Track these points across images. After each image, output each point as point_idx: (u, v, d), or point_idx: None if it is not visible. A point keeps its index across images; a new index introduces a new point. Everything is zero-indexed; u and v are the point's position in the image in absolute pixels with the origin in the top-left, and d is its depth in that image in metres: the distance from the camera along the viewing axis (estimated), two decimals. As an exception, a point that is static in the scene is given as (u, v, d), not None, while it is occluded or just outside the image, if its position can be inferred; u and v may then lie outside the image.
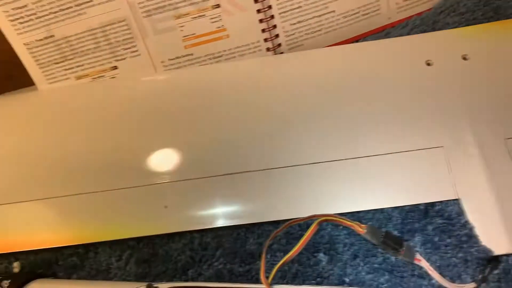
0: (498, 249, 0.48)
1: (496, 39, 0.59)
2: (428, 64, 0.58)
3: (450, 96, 0.56)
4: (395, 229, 0.50)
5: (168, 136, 0.57)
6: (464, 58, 0.58)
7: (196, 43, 0.61)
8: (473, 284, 0.46)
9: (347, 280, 0.49)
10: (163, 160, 0.55)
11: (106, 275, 0.52)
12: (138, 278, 0.51)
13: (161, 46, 0.61)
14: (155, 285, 0.44)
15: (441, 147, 0.53)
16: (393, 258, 0.49)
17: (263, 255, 0.46)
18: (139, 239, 0.53)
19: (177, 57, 0.62)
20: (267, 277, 0.45)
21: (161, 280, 0.51)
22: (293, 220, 0.50)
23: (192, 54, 0.62)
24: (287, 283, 0.49)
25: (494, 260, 0.47)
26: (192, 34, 0.61)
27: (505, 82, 0.56)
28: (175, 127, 0.58)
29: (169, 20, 0.59)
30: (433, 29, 0.63)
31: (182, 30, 0.60)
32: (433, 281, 0.47)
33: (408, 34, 0.62)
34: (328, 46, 0.63)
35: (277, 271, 0.49)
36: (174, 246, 0.52)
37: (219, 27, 0.60)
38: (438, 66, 0.58)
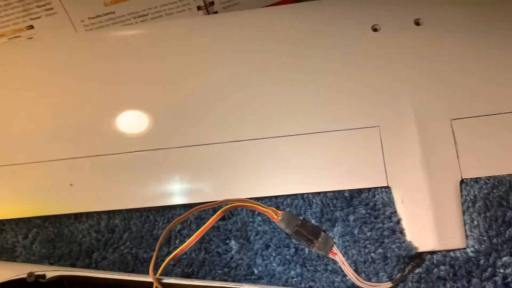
0: (423, 246, 0.43)
1: (456, 3, 0.51)
2: (375, 30, 0.51)
3: (395, 67, 0.49)
4: (314, 218, 0.45)
5: (77, 107, 0.52)
6: (417, 23, 0.51)
7: (117, 0, 0.55)
8: (389, 284, 0.42)
9: (255, 271, 0.45)
10: (68, 133, 0.50)
11: (11, 254, 0.49)
12: (42, 259, 0.48)
13: (79, 4, 0.55)
14: (39, 273, 0.41)
15: (376, 126, 0.47)
16: (307, 250, 0.44)
17: (157, 247, 0.42)
18: (45, 218, 0.50)
19: (98, 16, 0.56)
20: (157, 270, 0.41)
21: (65, 262, 0.48)
22: (202, 205, 0.45)
23: (114, 13, 0.56)
24: (190, 272, 0.45)
25: (417, 258, 0.43)
26: (112, -10, 0.54)
27: (459, 54, 0.49)
28: (88, 97, 0.52)
29: (82, -27, 0.53)
30: (386, -12, 0.54)
31: (99, -15, 0.54)
32: (347, 278, 0.43)
33: (358, -8, 0.54)
34: (267, 6, 0.56)
35: (179, 258, 0.46)
36: (80, 226, 0.49)
37: (141, -18, 0.53)
38: (385, 32, 0.51)
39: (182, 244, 0.43)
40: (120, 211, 0.49)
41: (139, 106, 0.51)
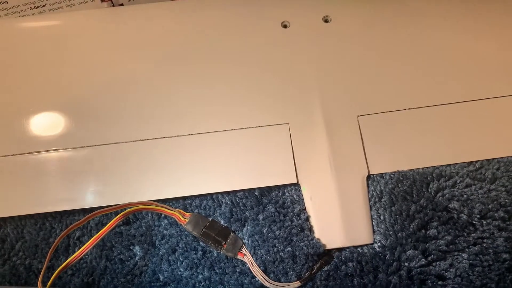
0: (331, 243, 0.42)
1: (364, 1, 0.52)
2: (285, 26, 0.50)
3: (303, 64, 0.49)
4: (223, 218, 0.44)
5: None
6: (326, 21, 0.51)
7: (9, -12, 0.50)
8: (297, 283, 0.41)
9: (161, 277, 0.42)
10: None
11: None
12: None
13: (-37, -9, 0.49)
14: None
15: (286, 124, 0.46)
16: (215, 252, 0.43)
17: (48, 255, 0.39)
18: None
19: (-12, 5, 0.50)
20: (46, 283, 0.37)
21: None
22: (103, 209, 0.42)
23: (6, 2, 0.51)
24: (90, 282, 0.42)
25: (325, 256, 0.42)
26: (3, -23, 0.49)
27: (365, 51, 0.49)
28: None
29: (-35, -43, 0.47)
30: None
31: (-12, -29, 0.49)
32: (256, 279, 0.41)
33: (270, -12, 0.54)
34: (176, -1, 0.53)
35: (78, 266, 0.42)
36: (-36, 238, 0.44)
37: (36, -31, 0.49)
38: (295, 28, 0.50)
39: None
40: (11, 218, 0.44)
41: (34, 104, 0.47)
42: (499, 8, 0.51)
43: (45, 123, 0.46)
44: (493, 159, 0.45)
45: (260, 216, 0.44)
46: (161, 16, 0.51)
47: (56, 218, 0.44)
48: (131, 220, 0.45)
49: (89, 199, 0.44)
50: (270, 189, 0.45)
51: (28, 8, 0.51)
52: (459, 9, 0.51)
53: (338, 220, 0.43)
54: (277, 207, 0.44)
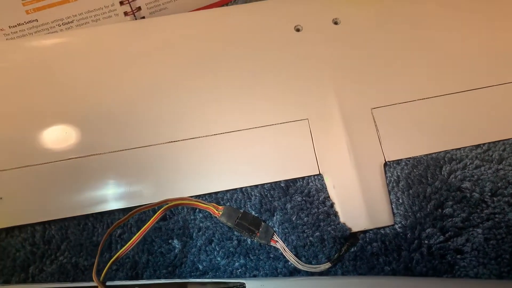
0: (356, 226, 0.46)
1: (369, 2, 0.56)
2: (298, 30, 0.54)
3: (318, 64, 0.52)
4: (254, 209, 0.47)
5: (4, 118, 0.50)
6: (335, 23, 0.55)
7: (39, 7, 0.53)
8: (328, 264, 0.44)
9: (200, 267, 0.45)
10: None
11: None
12: (-29, 280, 0.46)
13: (-3, 12, 0.53)
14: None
15: (305, 119, 0.50)
16: (249, 241, 0.46)
17: (99, 250, 0.42)
18: (-28, 236, 0.47)
19: (19, 24, 0.54)
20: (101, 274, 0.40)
21: (-2, 280, 0.46)
22: (142, 206, 0.45)
23: (36, 20, 0.54)
24: (134, 275, 0.45)
25: (351, 238, 0.46)
26: (33, -3, 0.53)
27: (374, 49, 0.53)
28: (15, 107, 0.51)
29: (-1, -20, 0.51)
30: (306, -9, 0.58)
31: (19, -8, 0.52)
32: (289, 263, 0.45)
33: (280, -4, 0.58)
34: (194, 10, 0.57)
35: (121, 262, 0.45)
36: (12, 241, 0.47)
37: (64, -12, 0.53)
38: (307, 31, 0.54)
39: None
40: (56, 221, 0.47)
41: (70, 112, 0.50)
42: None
43: (83, 130, 0.49)
44: (498, 141, 0.48)
45: (288, 205, 0.47)
46: (182, 26, 0.54)
47: (97, 218, 0.48)
48: (167, 216, 0.48)
49: (128, 199, 0.47)
50: (295, 180, 0.48)
51: (56, 25, 0.54)
52: (460, 5, 0.55)
53: (360, 205, 0.46)
54: (303, 196, 0.47)
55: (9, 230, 0.47)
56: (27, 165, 0.48)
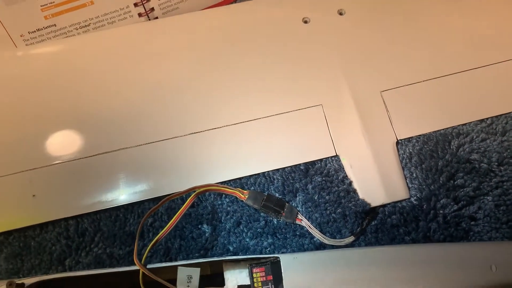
0: (375, 201, 0.49)
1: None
2: (305, 22, 0.57)
3: (327, 53, 0.55)
4: (277, 192, 0.50)
5: (30, 119, 0.52)
6: (340, 13, 0.58)
7: (57, 13, 0.55)
8: (352, 238, 0.47)
9: (231, 248, 0.48)
10: (24, 146, 0.50)
11: (-27, 275, 0.48)
12: (10, 275, 0.47)
13: (17, 18, 0.55)
14: (19, 281, 0.41)
15: (319, 105, 0.53)
16: (275, 221, 0.48)
17: (137, 236, 0.44)
18: (8, 233, 0.49)
19: (38, 30, 0.56)
20: (140, 259, 0.42)
21: (36, 273, 0.47)
22: (172, 195, 0.47)
23: (55, 25, 0.56)
24: (167, 261, 0.47)
25: (371, 212, 0.48)
26: (51, 3, 0.55)
27: (379, 36, 0.56)
28: (40, 108, 0.53)
29: (19, -12, 0.53)
30: (310, -15, 0.61)
31: (38, -1, 0.54)
32: (315, 239, 0.47)
33: (286, -9, 0.61)
34: (205, 9, 0.60)
35: (155, 249, 0.47)
36: (47, 236, 0.49)
37: (80, -7, 0.55)
38: (314, 23, 0.57)
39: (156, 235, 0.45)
40: (88, 214, 0.49)
41: (95, 110, 0.52)
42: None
43: (109, 127, 0.51)
44: (501, 115, 0.52)
45: (309, 186, 0.50)
46: (195, 24, 0.57)
47: (128, 209, 0.50)
48: (195, 203, 0.50)
49: (157, 189, 0.49)
50: (313, 162, 0.51)
51: (74, 29, 0.56)
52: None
53: (377, 182, 0.49)
54: (323, 177, 0.50)
55: (43, 226, 0.49)
56: (57, 163, 0.50)
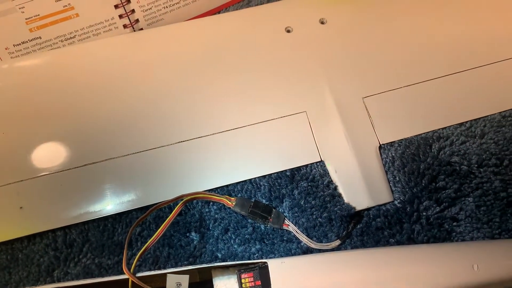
0: (359, 205, 0.50)
1: (351, 0, 0.60)
2: (288, 31, 0.58)
3: (310, 61, 0.57)
4: (264, 198, 0.50)
5: (16, 132, 0.52)
6: (322, 22, 0.59)
7: (42, 25, 0.56)
8: (338, 242, 0.48)
9: (219, 255, 0.48)
10: (11, 158, 0.50)
11: (-40, 291, 0.47)
12: (-3, 289, 0.47)
13: (1, 31, 0.55)
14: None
15: (303, 112, 0.54)
16: (263, 227, 0.49)
17: (126, 245, 0.44)
18: (-5, 246, 0.49)
19: (23, 42, 0.56)
20: (129, 268, 0.43)
21: (24, 285, 0.47)
22: (159, 203, 0.48)
23: (40, 38, 0.56)
24: (157, 269, 0.47)
25: (356, 216, 0.49)
26: (36, 16, 0.55)
27: (360, 43, 0.58)
28: (27, 120, 0.53)
29: (4, 1, 0.53)
30: (292, -5, 0.63)
31: (23, 12, 0.54)
32: (302, 244, 0.48)
33: (269, 1, 0.62)
34: (190, 19, 0.61)
35: (144, 257, 0.48)
36: (35, 248, 0.49)
37: (65, 5, 0.55)
38: (297, 32, 0.58)
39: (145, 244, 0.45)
40: (76, 225, 0.49)
41: (81, 121, 0.53)
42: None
43: (96, 137, 0.52)
44: (479, 118, 0.53)
45: (296, 192, 0.50)
46: (179, 35, 0.58)
47: (116, 219, 0.50)
48: (183, 211, 0.50)
49: (145, 198, 0.50)
50: (299, 168, 0.52)
51: (59, 41, 0.57)
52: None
53: (361, 186, 0.50)
54: (308, 182, 0.51)
55: (31, 238, 0.49)
56: (44, 174, 0.50)
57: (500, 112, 0.53)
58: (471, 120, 0.53)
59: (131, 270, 0.42)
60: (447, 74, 0.55)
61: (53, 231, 0.49)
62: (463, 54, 0.56)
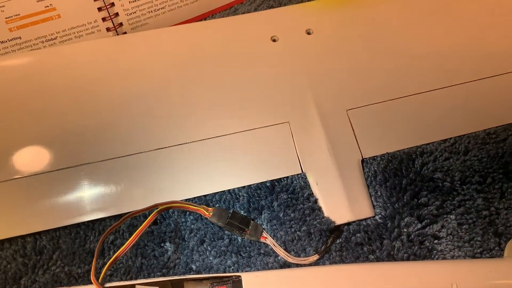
0: (339, 219, 0.48)
1: (338, 12, 0.60)
2: (274, 40, 0.58)
3: (295, 71, 0.56)
4: (242, 209, 0.49)
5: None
6: (308, 33, 0.58)
7: (22, 25, 0.55)
8: (316, 256, 0.47)
9: (194, 267, 0.47)
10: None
11: None
12: (-39, 296, 0.45)
13: (-20, 30, 0.54)
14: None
15: (286, 122, 0.53)
16: (239, 239, 0.48)
17: (96, 253, 0.42)
18: (-40, 252, 0.47)
19: (2, 42, 0.55)
20: (98, 277, 0.41)
21: (-11, 293, 0.45)
22: (133, 212, 0.46)
23: (20, 38, 0.55)
24: (129, 279, 0.46)
25: (336, 230, 0.48)
26: (16, 15, 0.54)
27: (346, 55, 0.57)
28: (1, 122, 0.51)
29: (-17, 0, 0.52)
30: (280, 5, 0.62)
31: (3, 11, 0.53)
32: (279, 257, 0.47)
33: (256, 10, 0.62)
34: (175, 25, 0.60)
35: (115, 267, 0.46)
36: (2, 254, 0.47)
37: (47, 6, 0.54)
38: (283, 42, 0.58)
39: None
40: (47, 231, 0.48)
41: (57, 125, 0.51)
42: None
43: (71, 142, 0.50)
44: (463, 135, 0.53)
45: (275, 203, 0.49)
46: (163, 40, 0.57)
47: (89, 226, 0.48)
48: (158, 220, 0.49)
49: (119, 206, 0.48)
50: (279, 179, 0.51)
51: (40, 42, 0.56)
52: (425, 7, 0.60)
53: (342, 199, 0.49)
54: (288, 194, 0.50)
55: (-1, 244, 0.47)
56: (15, 177, 0.48)
57: (484, 130, 0.53)
58: (455, 137, 0.53)
59: (99, 280, 0.41)
60: (433, 89, 0.54)
61: (23, 237, 0.48)
62: (450, 70, 0.55)
